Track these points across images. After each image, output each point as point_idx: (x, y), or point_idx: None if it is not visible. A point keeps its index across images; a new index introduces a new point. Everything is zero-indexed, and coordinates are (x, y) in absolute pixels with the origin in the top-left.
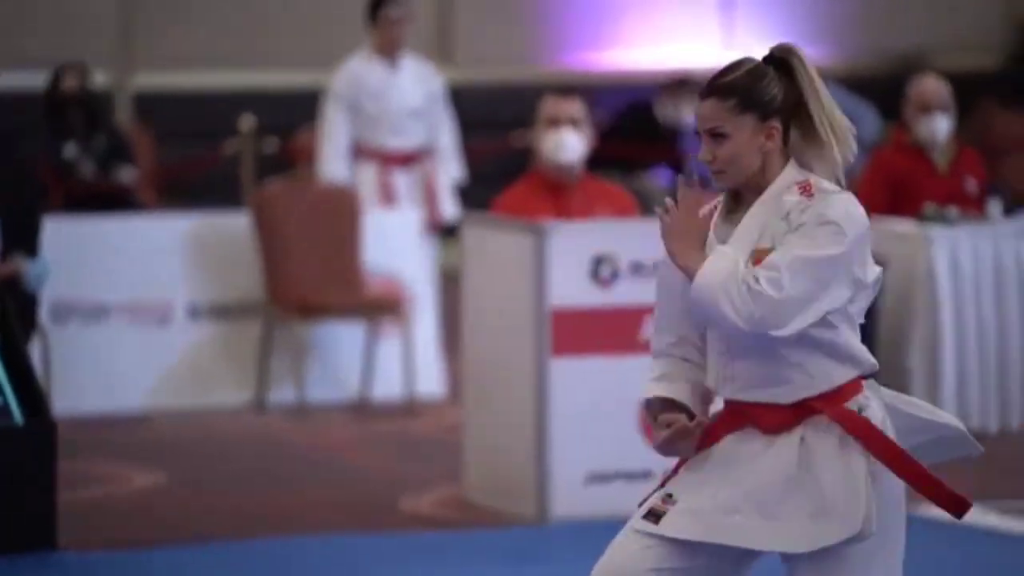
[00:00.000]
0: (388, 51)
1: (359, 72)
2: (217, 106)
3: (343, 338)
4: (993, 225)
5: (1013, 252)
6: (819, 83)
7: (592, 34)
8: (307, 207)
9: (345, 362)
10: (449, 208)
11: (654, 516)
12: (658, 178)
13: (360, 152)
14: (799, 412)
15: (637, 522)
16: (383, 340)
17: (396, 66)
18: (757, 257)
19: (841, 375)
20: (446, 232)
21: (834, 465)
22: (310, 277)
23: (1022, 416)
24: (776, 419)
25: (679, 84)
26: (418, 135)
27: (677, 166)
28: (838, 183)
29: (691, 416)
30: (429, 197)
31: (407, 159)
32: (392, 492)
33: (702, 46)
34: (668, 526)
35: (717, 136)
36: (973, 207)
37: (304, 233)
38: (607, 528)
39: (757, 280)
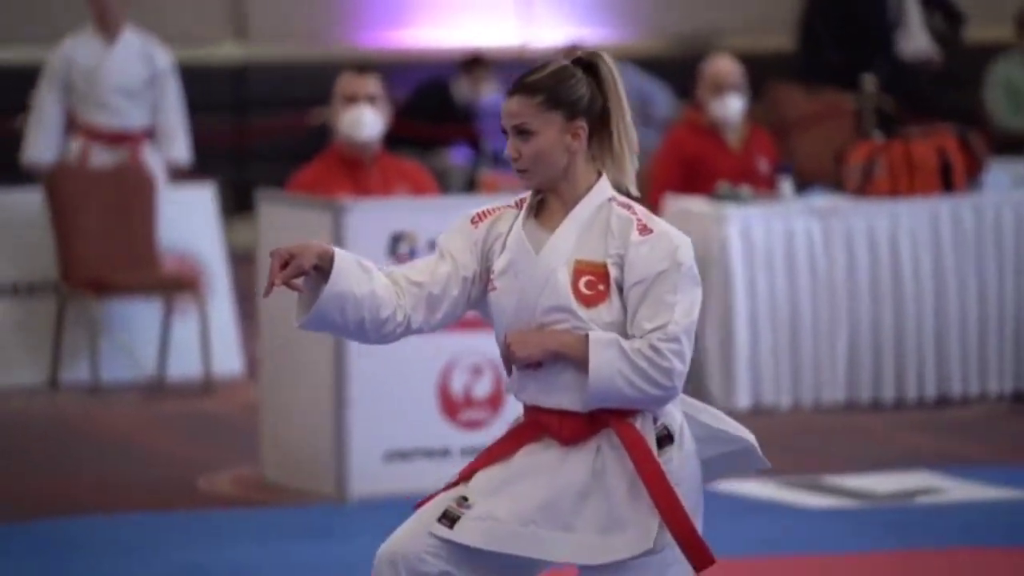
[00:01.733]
0: (103, 25)
1: (72, 49)
2: (5, 81)
3: (138, 317)
4: (785, 203)
5: (804, 230)
6: (622, 91)
7: (389, 12)
8: (100, 184)
9: (141, 341)
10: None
11: (448, 520)
12: (455, 156)
13: (72, 129)
14: (595, 422)
15: (432, 524)
16: (179, 318)
17: (113, 42)
18: (579, 268)
19: None
20: (231, 209)
21: (627, 477)
22: (104, 255)
23: (814, 392)
24: (572, 429)
25: (475, 63)
26: (137, 116)
27: (474, 144)
28: (627, 193)
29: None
30: None
31: (116, 138)
32: (189, 472)
33: (499, 25)
34: (463, 533)
35: (523, 133)
36: (765, 185)
37: (97, 211)
38: (406, 505)
39: (660, 353)
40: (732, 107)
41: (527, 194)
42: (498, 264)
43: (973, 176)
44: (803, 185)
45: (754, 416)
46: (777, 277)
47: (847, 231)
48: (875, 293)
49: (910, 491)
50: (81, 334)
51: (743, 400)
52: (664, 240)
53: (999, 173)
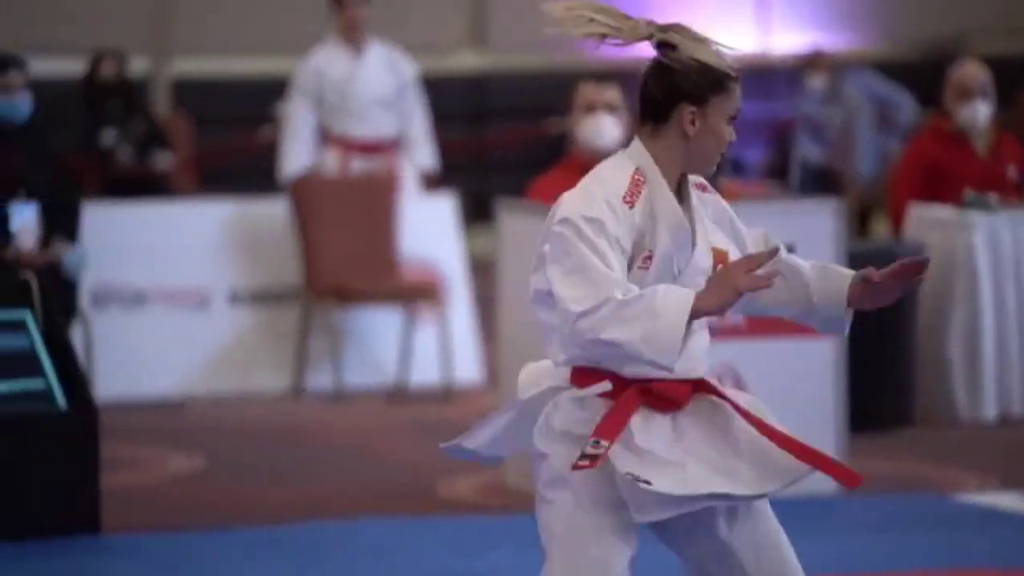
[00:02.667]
0: (351, 38)
1: (322, 62)
2: (254, 92)
3: (380, 324)
4: None
5: None
6: None
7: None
8: (344, 193)
9: (382, 348)
10: (413, 196)
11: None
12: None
13: (325, 141)
14: (698, 387)
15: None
16: (419, 326)
17: (361, 54)
18: (716, 256)
19: None
20: (472, 219)
21: (727, 430)
22: (347, 263)
23: None
24: (685, 394)
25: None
26: (388, 124)
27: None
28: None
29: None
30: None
31: (371, 148)
32: (430, 478)
33: (738, 32)
34: (674, 484)
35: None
36: (1013, 193)
37: (341, 219)
38: None
39: None
40: (979, 113)
41: (634, 166)
42: (659, 247)
43: None
44: None
45: (1001, 427)
46: None
47: None
48: None
49: None
50: (324, 342)
51: (990, 411)
52: (719, 199)
53: None
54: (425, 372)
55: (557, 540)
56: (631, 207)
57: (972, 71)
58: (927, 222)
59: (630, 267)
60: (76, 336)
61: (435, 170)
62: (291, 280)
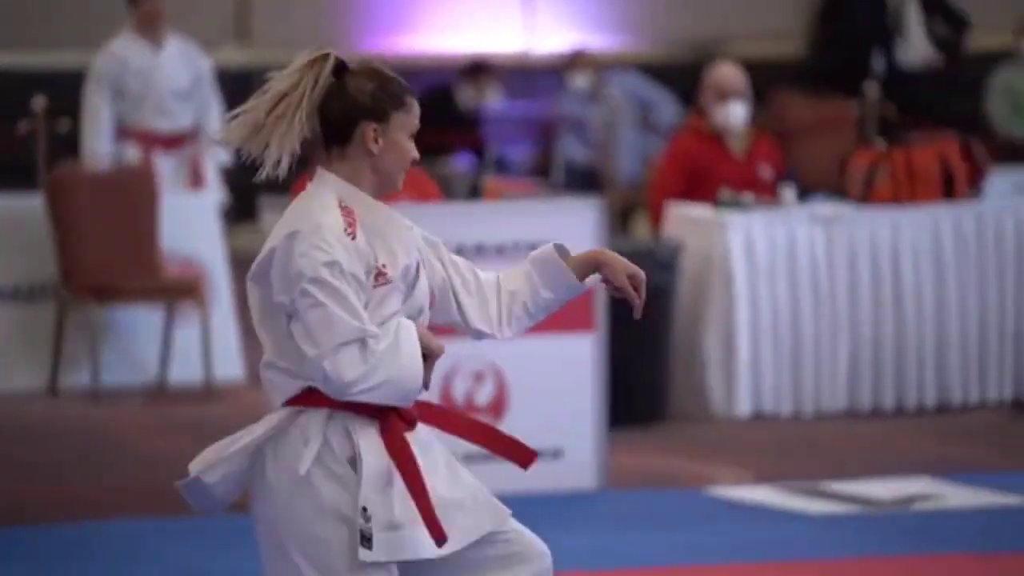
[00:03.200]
0: (149, 31)
1: (122, 54)
2: (9, 86)
3: (140, 322)
4: (787, 210)
5: (806, 237)
6: None
7: (393, 18)
8: (104, 188)
9: (142, 346)
10: (215, 192)
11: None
12: (459, 163)
13: (124, 134)
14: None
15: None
16: (181, 324)
17: (160, 47)
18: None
19: None
20: (232, 215)
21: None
22: (106, 260)
23: (815, 399)
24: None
25: (479, 69)
26: (185, 117)
27: (478, 151)
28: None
29: None
30: (194, 180)
31: (172, 141)
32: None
33: (503, 32)
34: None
35: None
36: (768, 193)
37: (100, 215)
38: None
39: None
40: (735, 114)
41: (335, 196)
42: (393, 260)
43: (975, 184)
44: (806, 192)
45: (755, 423)
46: (779, 284)
47: (849, 238)
48: (876, 300)
49: (911, 497)
50: (83, 340)
51: (744, 408)
52: None
53: (1001, 181)
54: (186, 370)
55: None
56: (353, 238)
57: (728, 73)
58: (685, 221)
59: (372, 286)
60: None
61: (233, 164)
62: (50, 277)
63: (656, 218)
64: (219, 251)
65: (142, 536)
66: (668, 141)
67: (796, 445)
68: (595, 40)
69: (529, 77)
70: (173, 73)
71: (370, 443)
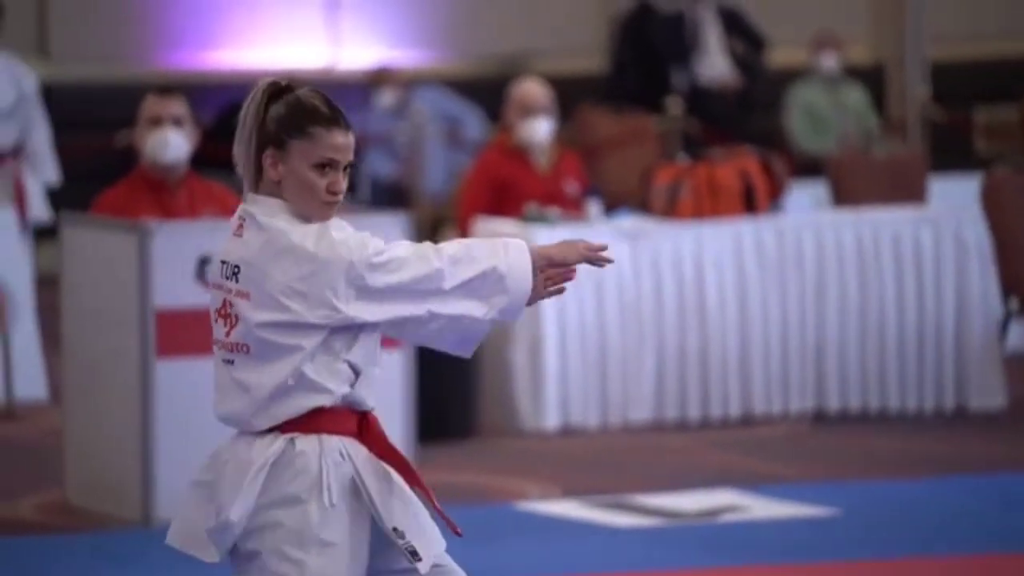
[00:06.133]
0: None
1: None
2: None
3: None
4: (592, 225)
5: (612, 251)
6: None
7: (196, 33)
8: None
9: None
10: (40, 209)
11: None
12: None
13: None
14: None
15: None
16: None
17: None
18: None
19: None
20: (39, 233)
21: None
22: None
23: (621, 412)
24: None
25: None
26: (7, 135)
27: None
28: None
29: None
30: (18, 198)
31: None
32: None
33: (307, 47)
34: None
35: (347, 168)
36: (573, 208)
37: None
38: None
39: None
40: (540, 130)
41: (286, 215)
42: None
43: (775, 199)
44: (611, 207)
45: (563, 436)
46: (585, 298)
47: (654, 253)
48: (681, 313)
49: (715, 509)
50: None
51: (552, 420)
52: None
53: (800, 196)
54: None
55: None
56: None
57: (532, 89)
58: (490, 235)
59: None
60: None
61: (58, 183)
62: None
63: (464, 233)
64: (25, 269)
65: None
66: (475, 156)
67: (603, 458)
68: (401, 55)
69: (334, 93)
70: None
71: (364, 463)
